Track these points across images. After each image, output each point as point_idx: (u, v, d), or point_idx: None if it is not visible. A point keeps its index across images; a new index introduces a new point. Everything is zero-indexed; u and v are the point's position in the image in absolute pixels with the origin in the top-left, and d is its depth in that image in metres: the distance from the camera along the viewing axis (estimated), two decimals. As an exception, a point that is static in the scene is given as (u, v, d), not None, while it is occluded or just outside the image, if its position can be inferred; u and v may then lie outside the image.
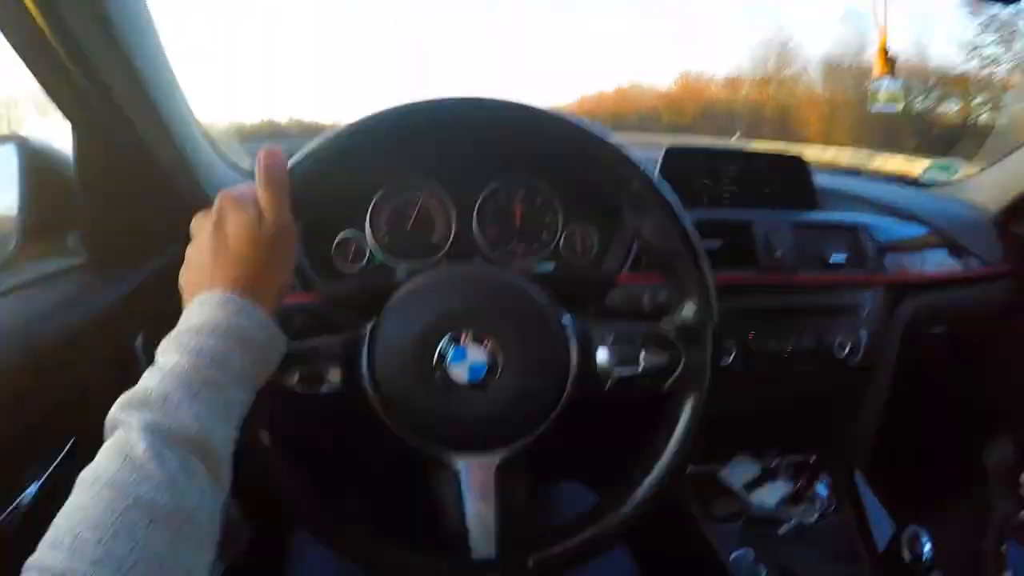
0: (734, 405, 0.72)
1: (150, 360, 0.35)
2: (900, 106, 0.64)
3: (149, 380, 0.33)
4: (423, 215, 0.57)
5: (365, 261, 0.57)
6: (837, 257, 0.73)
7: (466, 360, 0.42)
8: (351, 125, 0.44)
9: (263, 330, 0.37)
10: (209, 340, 0.35)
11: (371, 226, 0.57)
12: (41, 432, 0.53)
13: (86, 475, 0.29)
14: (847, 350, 0.71)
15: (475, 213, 0.57)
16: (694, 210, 0.70)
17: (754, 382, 0.69)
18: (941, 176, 1.07)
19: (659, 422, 0.46)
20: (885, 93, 0.66)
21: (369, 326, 0.45)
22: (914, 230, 0.87)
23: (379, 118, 0.44)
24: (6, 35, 0.48)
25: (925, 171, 1.09)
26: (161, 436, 0.30)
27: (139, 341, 0.63)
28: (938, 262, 0.88)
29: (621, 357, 0.45)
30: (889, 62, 0.62)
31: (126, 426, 0.30)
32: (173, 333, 0.36)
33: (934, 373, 1.00)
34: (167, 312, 0.38)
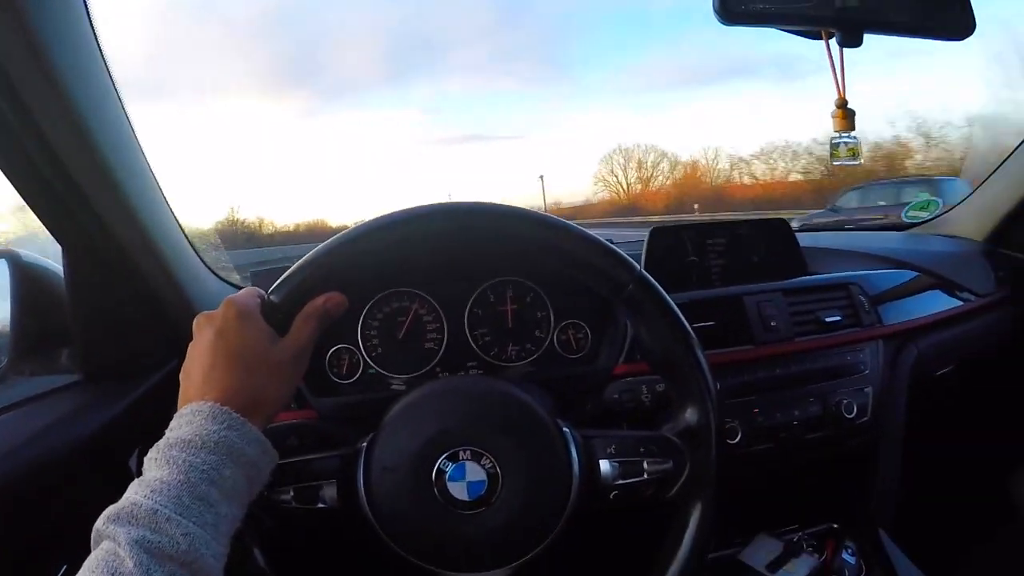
0: (747, 484, 0.69)
1: None
2: (861, 160, 0.66)
3: (136, 494, 0.33)
4: (414, 325, 0.57)
5: (359, 374, 0.56)
6: (832, 317, 0.73)
7: (465, 478, 0.41)
8: (334, 245, 0.43)
9: (255, 445, 0.37)
10: (200, 455, 0.34)
11: (362, 339, 0.56)
12: (35, 558, 0.51)
13: None
14: (855, 410, 0.70)
15: (466, 318, 0.57)
16: (684, 291, 0.71)
17: (764, 458, 0.67)
18: (922, 215, 1.09)
19: (668, 529, 0.44)
20: (845, 148, 0.68)
21: (365, 442, 0.44)
22: (904, 276, 0.87)
23: (360, 234, 0.44)
24: None
25: (905, 211, 1.11)
26: (150, 553, 0.30)
27: (134, 459, 0.62)
28: (934, 304, 0.88)
29: (624, 468, 0.43)
30: (848, 117, 0.65)
31: (113, 541, 0.30)
32: (162, 443, 0.36)
33: (948, 416, 0.98)
34: (162, 430, 0.37)
